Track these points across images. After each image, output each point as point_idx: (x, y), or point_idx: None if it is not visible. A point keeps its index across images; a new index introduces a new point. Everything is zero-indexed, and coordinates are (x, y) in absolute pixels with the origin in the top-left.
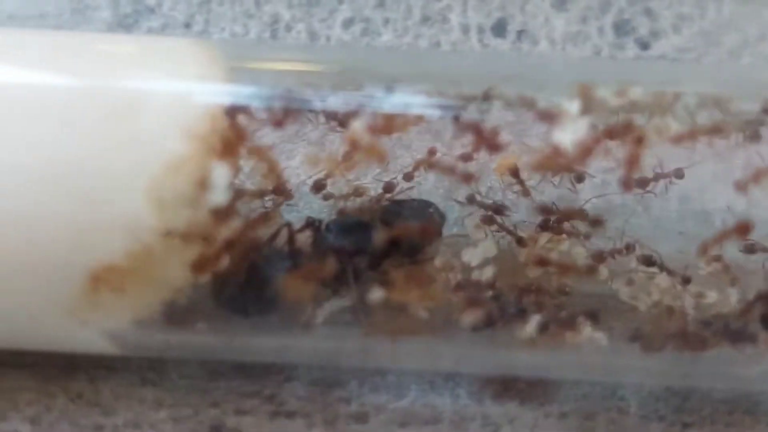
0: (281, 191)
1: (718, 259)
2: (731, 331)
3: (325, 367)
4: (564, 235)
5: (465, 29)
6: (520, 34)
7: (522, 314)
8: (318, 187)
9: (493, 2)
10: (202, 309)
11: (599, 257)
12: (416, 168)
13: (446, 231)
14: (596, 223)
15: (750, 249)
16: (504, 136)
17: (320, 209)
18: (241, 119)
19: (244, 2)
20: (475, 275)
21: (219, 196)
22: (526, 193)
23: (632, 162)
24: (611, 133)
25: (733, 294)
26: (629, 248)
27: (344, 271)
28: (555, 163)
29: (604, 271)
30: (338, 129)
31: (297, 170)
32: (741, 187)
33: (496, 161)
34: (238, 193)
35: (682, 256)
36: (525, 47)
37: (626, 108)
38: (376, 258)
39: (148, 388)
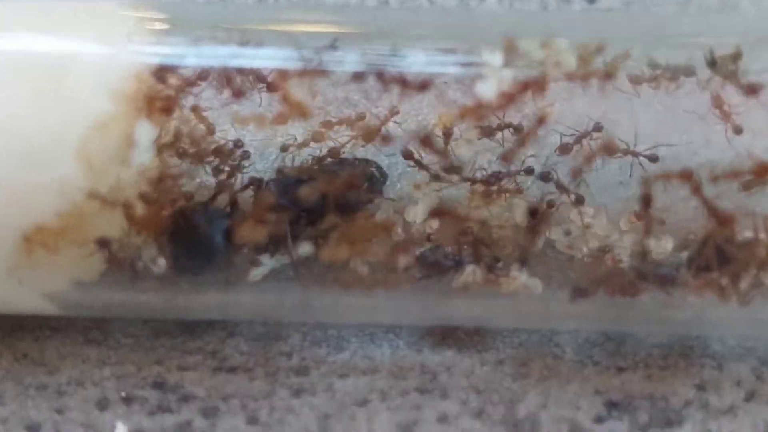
0: (218, 152)
1: (647, 204)
2: (661, 275)
3: (266, 322)
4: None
5: None
6: None
7: (459, 265)
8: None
9: None
10: (141, 268)
11: (534, 210)
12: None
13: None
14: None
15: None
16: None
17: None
18: (168, 79)
19: None
20: (416, 230)
21: (144, 155)
22: (444, 153)
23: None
24: (529, 85)
25: (668, 241)
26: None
27: (283, 228)
28: (477, 114)
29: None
30: (266, 89)
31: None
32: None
33: (437, 116)
34: (163, 149)
35: (624, 204)
36: (473, 3)
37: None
38: (315, 215)
39: (92, 347)
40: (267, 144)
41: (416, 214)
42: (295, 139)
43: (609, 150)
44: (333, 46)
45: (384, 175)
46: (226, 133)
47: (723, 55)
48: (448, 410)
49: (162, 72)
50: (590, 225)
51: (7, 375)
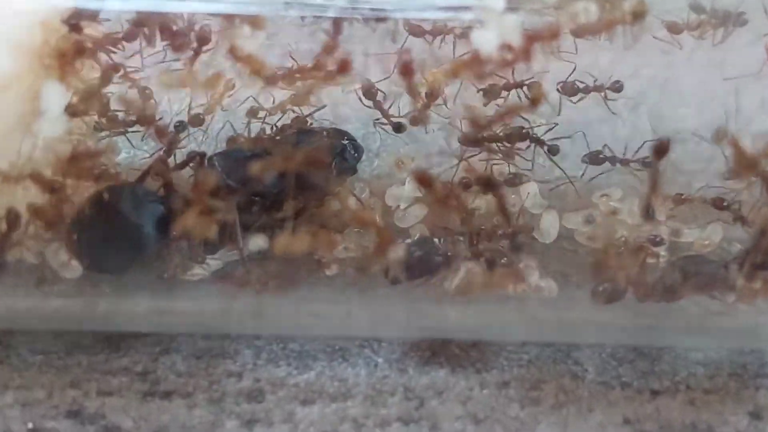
0: (146, 120)
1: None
2: (706, 274)
3: (210, 335)
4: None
5: None
6: None
7: (453, 261)
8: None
9: None
10: (54, 267)
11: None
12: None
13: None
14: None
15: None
16: None
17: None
18: (84, 28)
19: None
20: (397, 218)
21: (53, 124)
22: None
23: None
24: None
25: (716, 231)
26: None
27: (231, 216)
28: (474, 71)
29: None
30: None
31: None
32: None
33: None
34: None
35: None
36: None
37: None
38: (271, 199)
39: None
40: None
41: (399, 197)
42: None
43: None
44: None
45: (358, 149)
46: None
47: None
48: None
49: (76, 18)
50: (617, 211)
51: None
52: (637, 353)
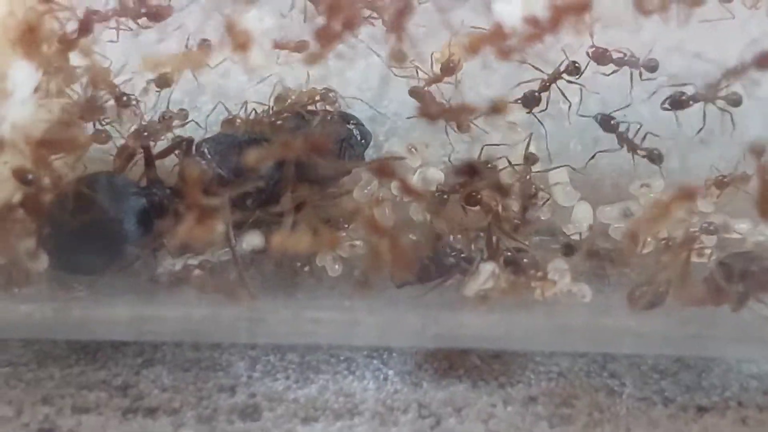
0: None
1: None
2: (760, 274)
3: (199, 344)
4: None
5: None
6: None
7: (471, 262)
8: None
9: None
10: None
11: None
12: None
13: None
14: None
15: None
16: None
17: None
18: None
19: None
20: (412, 213)
21: (22, 106)
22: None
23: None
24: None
25: None
26: None
27: (223, 210)
28: (496, 44)
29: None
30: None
31: None
32: None
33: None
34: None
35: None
36: None
37: None
38: (270, 191)
39: None
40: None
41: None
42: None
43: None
44: None
45: (366, 135)
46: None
47: None
48: None
49: None
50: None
51: None
52: (681, 365)
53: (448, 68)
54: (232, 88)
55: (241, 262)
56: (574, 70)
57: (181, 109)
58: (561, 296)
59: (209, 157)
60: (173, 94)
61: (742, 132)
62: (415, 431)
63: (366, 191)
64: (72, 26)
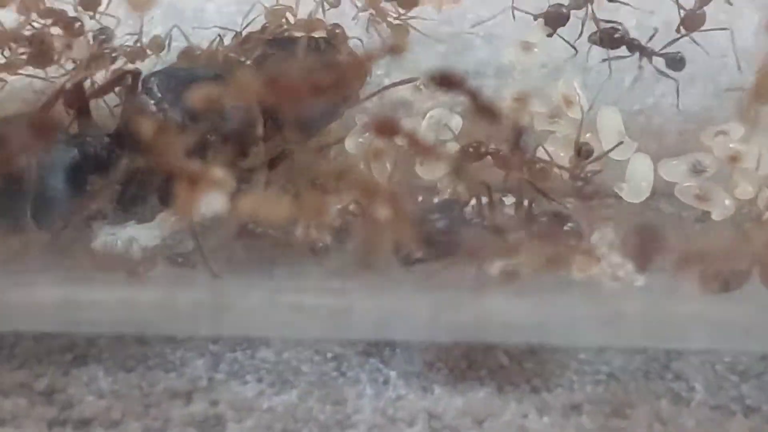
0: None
1: None
2: None
3: (145, 337)
4: None
5: None
6: None
7: (497, 231)
8: None
9: None
10: None
11: None
12: None
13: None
14: None
15: None
16: None
17: None
18: None
19: None
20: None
21: None
22: None
23: None
24: None
25: None
26: None
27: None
28: None
29: None
30: None
31: None
32: None
33: None
34: None
35: None
36: None
37: None
38: (236, 140)
39: None
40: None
41: (423, 131)
42: None
43: None
44: None
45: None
46: None
47: None
48: None
49: None
50: (738, 156)
51: None
52: (767, 364)
53: None
54: (190, 9)
55: (197, 231)
56: None
57: (156, 37)
58: (606, 276)
59: (158, 95)
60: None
61: None
62: None
63: (361, 140)
64: None
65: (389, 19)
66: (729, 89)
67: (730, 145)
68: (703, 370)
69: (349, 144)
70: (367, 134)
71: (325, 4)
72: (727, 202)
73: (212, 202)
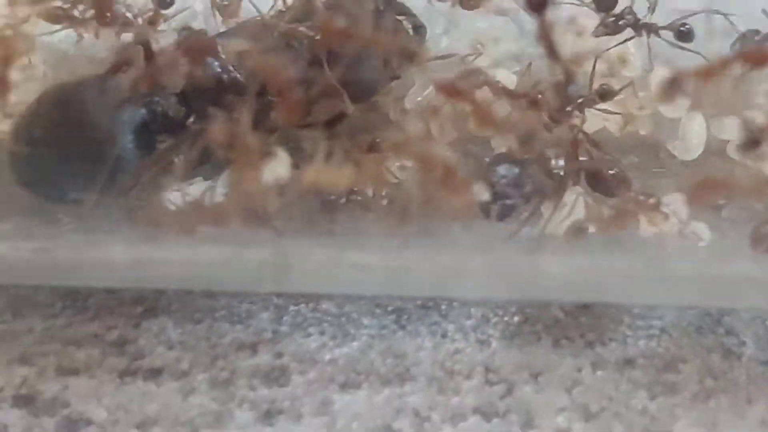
0: None
1: None
2: None
3: (212, 291)
4: None
5: None
6: None
7: (557, 189)
8: None
9: None
10: None
11: None
12: None
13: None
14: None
15: None
16: None
17: None
18: None
19: None
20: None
21: None
22: None
23: None
24: None
25: None
26: None
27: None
28: None
29: None
30: None
31: None
32: None
33: None
34: None
35: None
36: None
37: None
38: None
39: None
40: None
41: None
42: None
43: None
44: None
45: (420, 29)
46: None
47: None
48: None
49: None
50: None
51: None
52: None
53: None
54: None
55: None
56: None
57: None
58: (670, 234)
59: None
60: None
61: None
62: (481, 402)
63: (419, 99)
64: None
65: None
66: None
67: None
68: (753, 325)
69: (408, 103)
70: (426, 92)
71: None
72: None
73: (277, 167)
